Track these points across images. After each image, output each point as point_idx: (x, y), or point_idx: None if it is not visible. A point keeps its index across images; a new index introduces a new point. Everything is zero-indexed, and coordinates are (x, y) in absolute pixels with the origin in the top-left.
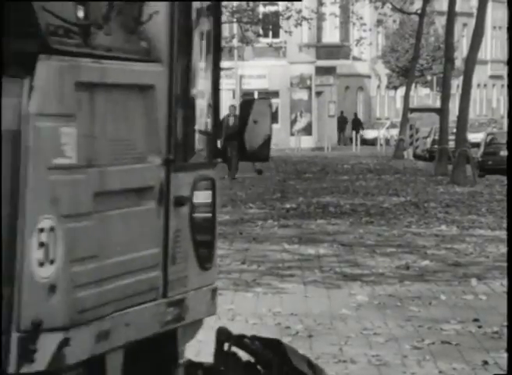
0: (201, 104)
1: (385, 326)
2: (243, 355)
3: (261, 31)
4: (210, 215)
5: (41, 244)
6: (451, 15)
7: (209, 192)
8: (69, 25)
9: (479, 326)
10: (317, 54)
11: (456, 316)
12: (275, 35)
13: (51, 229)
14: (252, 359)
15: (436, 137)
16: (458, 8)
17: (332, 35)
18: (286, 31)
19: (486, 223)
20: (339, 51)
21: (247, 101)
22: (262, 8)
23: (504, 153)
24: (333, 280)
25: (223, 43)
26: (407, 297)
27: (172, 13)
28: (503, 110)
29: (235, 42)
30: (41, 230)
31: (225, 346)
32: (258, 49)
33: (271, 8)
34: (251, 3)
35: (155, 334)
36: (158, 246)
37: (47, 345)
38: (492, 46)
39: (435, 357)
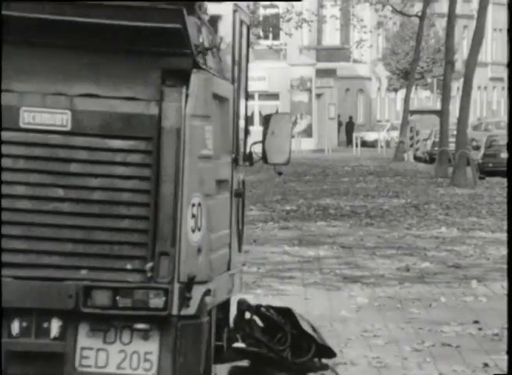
0: None
1: (386, 328)
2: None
3: (261, 33)
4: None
5: (193, 216)
6: (451, 17)
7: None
8: (202, 49)
9: (479, 329)
10: (317, 56)
11: (457, 318)
12: (276, 37)
13: (199, 204)
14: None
15: (436, 140)
16: (458, 10)
17: (332, 37)
18: (286, 33)
19: (486, 225)
20: (339, 53)
21: (267, 116)
22: (262, 11)
23: (504, 155)
24: (333, 282)
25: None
26: (407, 299)
27: (234, 39)
28: (504, 112)
29: None
30: (193, 205)
31: (246, 314)
32: (259, 51)
33: (271, 11)
34: (252, 5)
35: (224, 300)
36: (228, 228)
37: (196, 294)
38: (492, 48)
39: (436, 359)
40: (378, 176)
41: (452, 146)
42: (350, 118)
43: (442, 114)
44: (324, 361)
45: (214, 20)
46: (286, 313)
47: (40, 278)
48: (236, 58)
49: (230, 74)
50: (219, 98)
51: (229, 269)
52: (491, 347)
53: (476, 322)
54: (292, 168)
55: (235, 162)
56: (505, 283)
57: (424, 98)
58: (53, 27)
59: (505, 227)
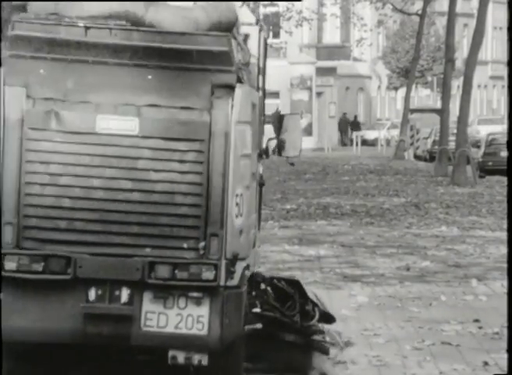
0: None
1: (386, 327)
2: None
3: None
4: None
5: (236, 204)
6: (452, 15)
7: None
8: (241, 65)
9: (479, 327)
10: (317, 54)
11: (457, 317)
12: (276, 36)
13: (241, 194)
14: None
15: (437, 138)
16: (459, 8)
17: (332, 36)
18: (286, 32)
19: (487, 224)
20: (339, 51)
21: (280, 116)
22: (263, 9)
23: (504, 154)
24: (333, 281)
25: None
26: (407, 298)
27: (259, 54)
28: (504, 111)
29: None
30: (236, 195)
31: (262, 285)
32: None
33: (271, 9)
34: (252, 4)
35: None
36: (255, 212)
37: (238, 269)
38: (492, 47)
39: (436, 358)
40: (379, 174)
41: (452, 145)
42: (344, 114)
43: (443, 112)
44: (326, 325)
45: (245, 39)
46: (295, 284)
47: (113, 255)
48: (261, 69)
49: (256, 83)
50: (253, 105)
51: (254, 246)
52: (491, 345)
53: (476, 320)
54: (292, 167)
55: (259, 156)
56: (505, 282)
57: (425, 96)
58: (123, 50)
59: (505, 226)
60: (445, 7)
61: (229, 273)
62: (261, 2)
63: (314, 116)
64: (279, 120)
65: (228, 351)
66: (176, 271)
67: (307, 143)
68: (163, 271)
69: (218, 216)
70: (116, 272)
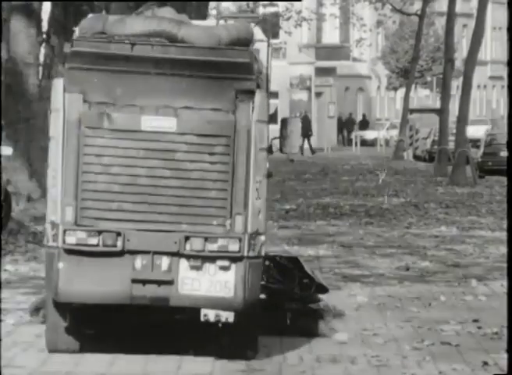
0: None
1: (385, 327)
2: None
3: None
4: None
5: (256, 189)
6: (451, 16)
7: None
8: (258, 74)
9: (479, 327)
10: (316, 55)
11: (456, 317)
12: (275, 36)
13: (260, 181)
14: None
15: (436, 138)
16: (458, 9)
17: (331, 36)
18: (285, 32)
19: (486, 223)
20: (338, 51)
21: (284, 119)
22: (262, 9)
23: (504, 154)
24: (333, 281)
25: None
26: (406, 298)
27: (268, 64)
28: (503, 111)
29: None
30: (256, 182)
31: (266, 261)
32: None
33: (271, 9)
34: (251, 4)
35: None
36: (265, 197)
37: (258, 242)
38: (492, 47)
39: (435, 358)
40: (378, 174)
41: (451, 145)
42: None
43: (442, 113)
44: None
45: (257, 51)
46: (294, 261)
47: (155, 230)
48: (269, 76)
49: (265, 88)
50: (268, 107)
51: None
52: (490, 345)
53: (476, 320)
54: (291, 166)
55: (268, 151)
56: (505, 282)
57: (424, 96)
58: (163, 62)
59: (505, 226)
60: (444, 7)
61: (251, 246)
62: (260, 2)
63: (314, 116)
64: (283, 122)
65: (250, 310)
66: (207, 244)
67: (307, 143)
68: (196, 244)
69: (241, 199)
70: (158, 244)
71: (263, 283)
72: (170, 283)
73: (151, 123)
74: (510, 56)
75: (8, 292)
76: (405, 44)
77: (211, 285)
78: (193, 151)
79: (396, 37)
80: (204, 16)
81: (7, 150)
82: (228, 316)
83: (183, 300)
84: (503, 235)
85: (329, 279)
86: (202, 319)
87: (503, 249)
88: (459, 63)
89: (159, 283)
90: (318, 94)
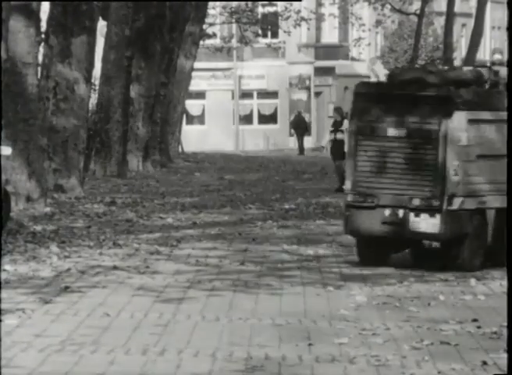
0: None
1: (384, 327)
2: None
3: (259, 31)
4: None
5: (454, 170)
6: (450, 15)
7: None
8: None
9: (478, 327)
10: (316, 54)
11: (455, 317)
12: (274, 35)
13: (458, 165)
14: None
15: None
16: (457, 8)
17: (330, 35)
18: (284, 31)
19: None
20: (338, 51)
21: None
22: (261, 9)
23: None
24: (332, 281)
25: (222, 43)
26: (406, 297)
27: None
28: None
29: (234, 42)
30: (453, 165)
31: None
32: (257, 49)
33: (270, 9)
34: (250, 3)
35: None
36: None
37: (456, 201)
38: (490, 46)
39: (434, 357)
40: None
41: None
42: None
43: None
44: None
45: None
46: None
47: (395, 194)
48: None
49: None
50: None
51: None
52: (490, 345)
53: (475, 320)
54: (291, 166)
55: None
56: (504, 282)
57: None
58: (420, 97)
59: None
60: (443, 7)
61: (449, 203)
62: (260, 2)
63: (313, 115)
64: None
65: (453, 241)
66: (424, 202)
67: (306, 143)
68: (417, 202)
69: (444, 175)
70: (396, 202)
71: None
72: (403, 224)
73: (389, 132)
74: (510, 56)
75: (7, 292)
76: (404, 43)
77: (427, 226)
78: (413, 147)
79: (395, 37)
80: (203, 15)
81: (6, 150)
82: (437, 244)
83: (412, 234)
84: None
85: (329, 278)
86: (426, 246)
87: None
88: (458, 62)
89: (398, 224)
90: (318, 94)
